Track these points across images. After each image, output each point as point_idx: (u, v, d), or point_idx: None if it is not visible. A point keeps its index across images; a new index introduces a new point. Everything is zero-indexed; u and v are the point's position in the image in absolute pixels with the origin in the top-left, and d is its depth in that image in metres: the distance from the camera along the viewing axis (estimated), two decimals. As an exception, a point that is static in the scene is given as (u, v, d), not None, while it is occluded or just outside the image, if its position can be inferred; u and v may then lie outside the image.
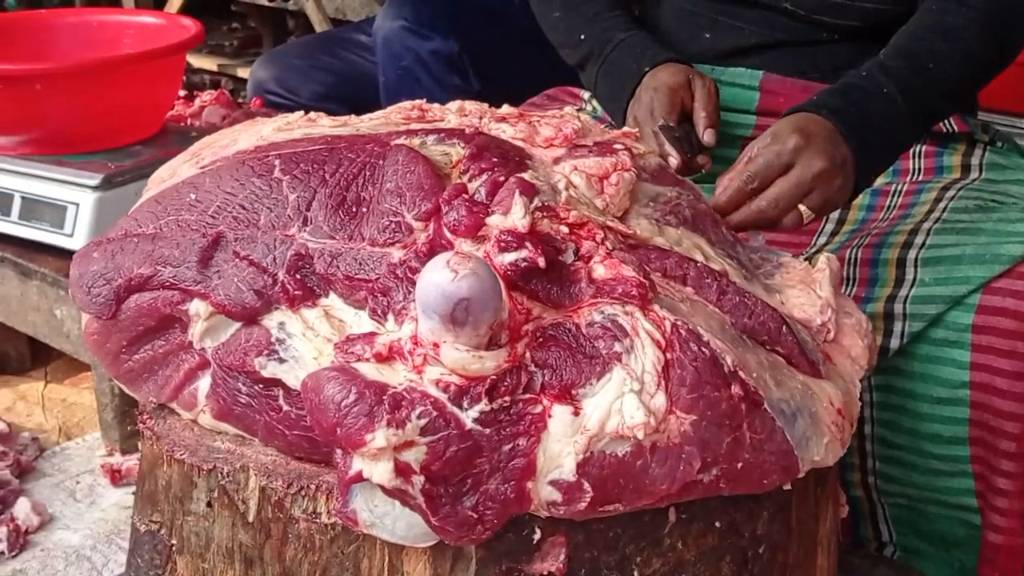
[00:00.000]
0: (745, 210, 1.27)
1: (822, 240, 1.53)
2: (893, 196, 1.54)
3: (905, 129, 1.38)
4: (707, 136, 1.45)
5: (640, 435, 0.89)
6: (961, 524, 1.42)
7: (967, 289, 1.32)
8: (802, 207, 1.27)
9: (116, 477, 1.94)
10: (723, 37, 1.63)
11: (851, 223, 1.54)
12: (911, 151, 1.58)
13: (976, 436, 1.35)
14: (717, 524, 0.98)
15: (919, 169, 1.56)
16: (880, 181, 1.52)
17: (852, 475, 1.47)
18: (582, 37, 1.65)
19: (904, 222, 1.45)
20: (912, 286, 1.36)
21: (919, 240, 1.40)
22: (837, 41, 1.57)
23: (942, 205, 1.44)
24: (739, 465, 0.92)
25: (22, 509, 1.82)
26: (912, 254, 1.39)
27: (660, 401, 0.90)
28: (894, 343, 1.36)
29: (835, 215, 1.54)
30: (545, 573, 0.94)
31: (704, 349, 0.93)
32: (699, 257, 1.06)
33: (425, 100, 1.23)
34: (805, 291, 1.10)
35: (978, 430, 1.34)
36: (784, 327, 1.01)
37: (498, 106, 1.23)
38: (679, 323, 0.94)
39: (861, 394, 1.37)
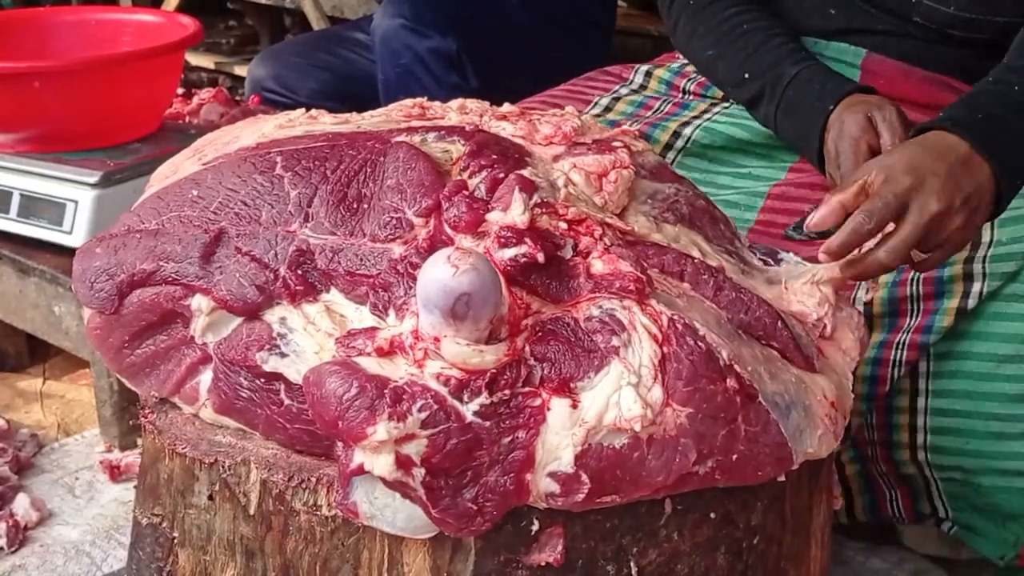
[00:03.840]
0: (862, 264, 1.20)
1: None
2: None
3: None
4: None
5: (637, 427, 0.90)
6: (1018, 493, 1.40)
7: None
8: (914, 252, 1.22)
9: (115, 473, 1.94)
10: (852, 16, 1.58)
11: None
12: None
13: None
14: (712, 515, 0.99)
15: None
16: None
17: (901, 453, 1.46)
18: (746, 76, 1.56)
19: None
20: (990, 246, 1.36)
21: None
22: (963, 46, 1.54)
23: None
24: (734, 457, 0.94)
25: (21, 505, 1.83)
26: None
27: (657, 394, 0.92)
28: (971, 303, 1.35)
29: None
30: (543, 564, 0.95)
31: (700, 343, 0.94)
32: (696, 254, 1.08)
33: (425, 98, 1.25)
34: (807, 283, 1.11)
35: None
36: (779, 322, 1.02)
37: (497, 104, 1.25)
38: (676, 317, 0.95)
39: (917, 364, 1.35)
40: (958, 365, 1.39)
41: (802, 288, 1.10)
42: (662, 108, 1.75)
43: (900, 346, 1.40)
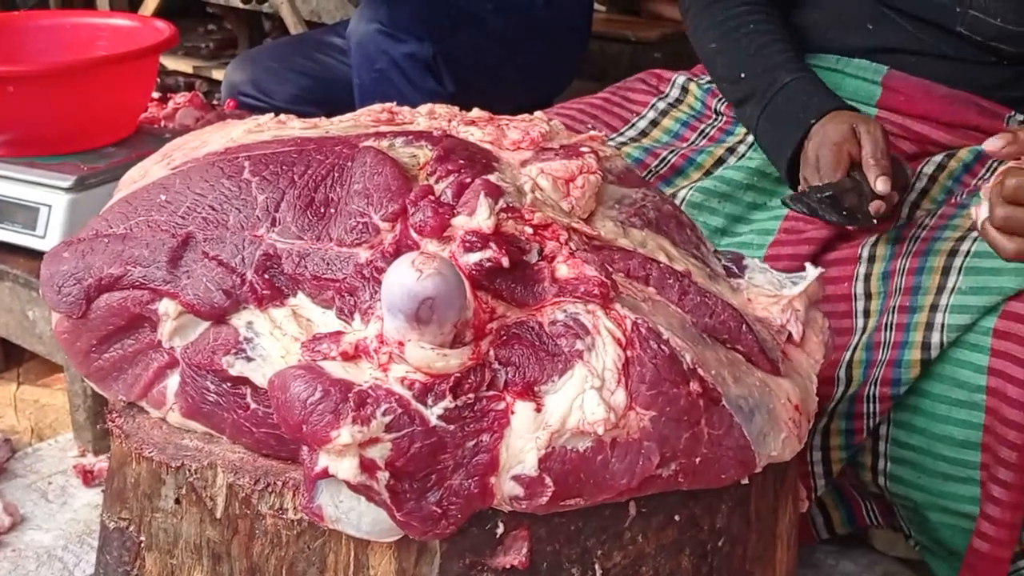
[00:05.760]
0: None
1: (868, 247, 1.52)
2: (940, 201, 1.54)
3: None
4: (880, 185, 1.41)
5: (600, 431, 0.91)
6: (961, 533, 1.42)
7: (1000, 299, 1.32)
8: None
9: (88, 478, 1.94)
10: (887, 35, 1.58)
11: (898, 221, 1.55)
12: (979, 172, 1.57)
13: (987, 443, 1.35)
14: (677, 518, 1.00)
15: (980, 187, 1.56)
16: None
17: (865, 474, 1.48)
18: (742, 75, 1.58)
19: (953, 223, 1.44)
20: (951, 293, 1.36)
21: (965, 247, 1.40)
22: (1005, 65, 1.54)
23: None
24: (697, 460, 0.94)
25: (-7, 510, 1.83)
26: (958, 261, 1.39)
27: (620, 397, 0.92)
28: (934, 353, 1.36)
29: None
30: (508, 567, 0.95)
31: (664, 347, 0.95)
32: (663, 258, 1.08)
33: (399, 103, 1.25)
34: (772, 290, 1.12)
35: (989, 436, 1.34)
36: (744, 326, 1.03)
37: (470, 109, 1.25)
38: (640, 321, 0.96)
39: (881, 391, 1.36)
40: (917, 401, 1.40)
41: (767, 300, 1.11)
42: (706, 133, 1.75)
43: (871, 399, 1.41)
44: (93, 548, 1.74)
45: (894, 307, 1.42)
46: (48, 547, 1.78)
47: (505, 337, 0.95)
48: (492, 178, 1.04)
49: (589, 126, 1.70)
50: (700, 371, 0.96)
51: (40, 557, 1.76)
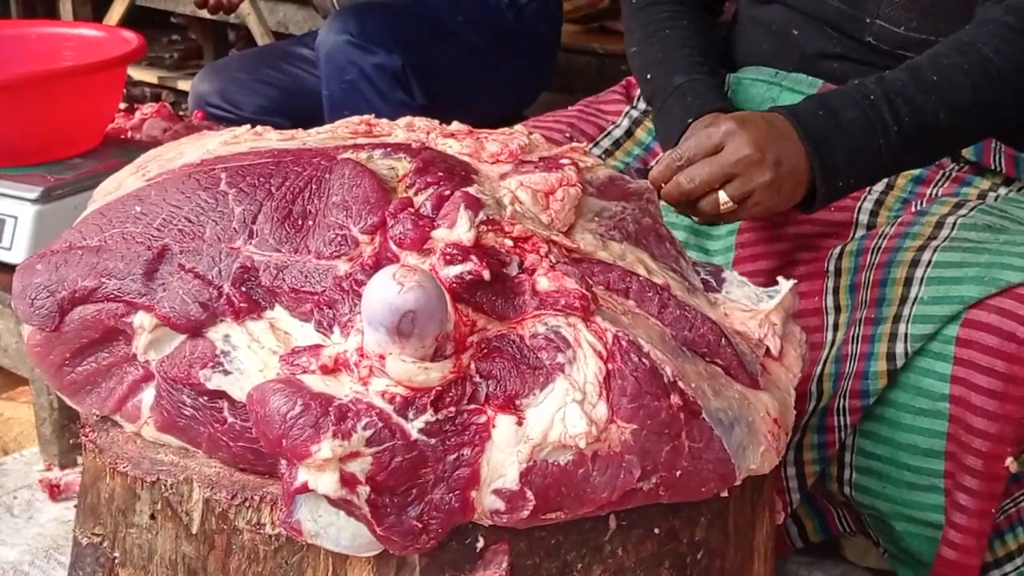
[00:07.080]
0: (669, 184, 1.29)
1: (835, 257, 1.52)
2: (897, 210, 1.56)
3: (890, 140, 1.34)
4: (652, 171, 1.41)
5: (582, 444, 0.91)
6: (927, 542, 1.43)
7: (961, 308, 1.33)
8: (721, 193, 1.28)
9: (55, 492, 1.91)
10: (812, 39, 1.60)
11: (862, 227, 1.56)
12: (933, 179, 1.58)
13: (951, 451, 1.36)
14: (656, 531, 1.00)
15: (936, 195, 1.57)
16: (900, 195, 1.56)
17: (831, 484, 1.49)
18: (648, 77, 1.63)
19: (913, 232, 1.45)
20: (914, 304, 1.37)
21: (926, 257, 1.40)
22: None
23: (951, 221, 1.45)
24: (678, 473, 0.95)
25: (-43, 525, 1.80)
26: (919, 272, 1.40)
27: (601, 411, 0.92)
28: (899, 363, 1.37)
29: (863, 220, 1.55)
30: (488, 581, 0.95)
31: (644, 360, 0.95)
32: (642, 271, 1.09)
33: (370, 115, 1.25)
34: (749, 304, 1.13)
35: (953, 445, 1.35)
36: (723, 339, 1.04)
37: (443, 121, 1.25)
38: (620, 334, 0.96)
39: (851, 403, 1.37)
40: (882, 411, 1.40)
41: (744, 314, 1.11)
42: None
43: (841, 412, 1.42)
44: (60, 564, 1.72)
45: (860, 319, 1.43)
46: (14, 563, 1.76)
47: (486, 350, 0.94)
48: (472, 190, 1.04)
49: (567, 135, 1.71)
50: (680, 384, 0.96)
51: (6, 573, 1.73)
